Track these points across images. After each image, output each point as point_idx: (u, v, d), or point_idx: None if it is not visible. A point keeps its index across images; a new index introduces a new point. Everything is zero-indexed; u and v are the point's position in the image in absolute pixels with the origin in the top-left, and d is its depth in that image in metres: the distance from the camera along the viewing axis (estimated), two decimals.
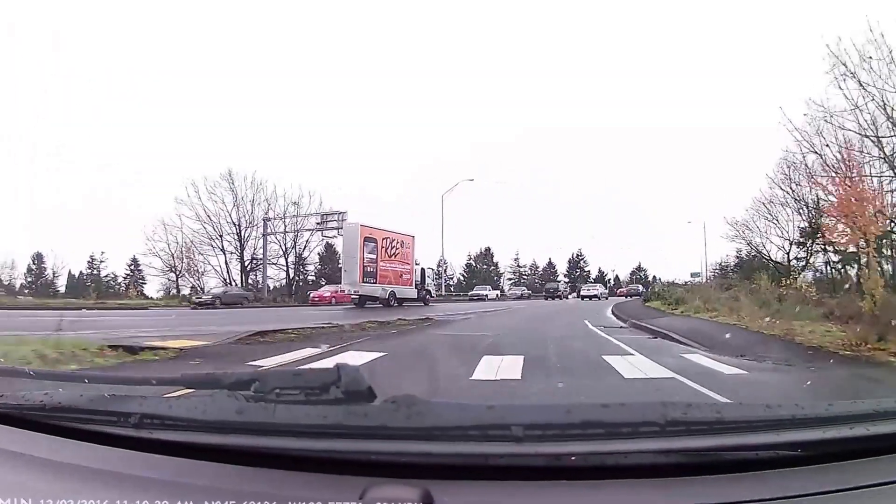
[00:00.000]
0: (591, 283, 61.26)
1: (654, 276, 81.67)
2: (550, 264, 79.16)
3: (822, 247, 29.66)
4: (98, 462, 1.01)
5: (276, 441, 1.00)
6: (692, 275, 49.77)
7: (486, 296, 47.34)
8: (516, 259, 79.29)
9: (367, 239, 27.95)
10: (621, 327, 14.13)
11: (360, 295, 26.66)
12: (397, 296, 28.93)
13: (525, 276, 78.22)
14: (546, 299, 49.37)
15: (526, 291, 59.21)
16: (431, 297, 34.38)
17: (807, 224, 31.71)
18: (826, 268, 31.48)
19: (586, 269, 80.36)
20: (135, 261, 52.65)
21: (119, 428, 1.07)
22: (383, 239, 29.40)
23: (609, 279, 78.35)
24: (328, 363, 1.01)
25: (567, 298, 52.00)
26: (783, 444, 1.01)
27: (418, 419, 1.01)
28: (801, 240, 33.18)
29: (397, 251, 30.43)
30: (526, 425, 0.97)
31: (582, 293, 50.75)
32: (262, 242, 40.82)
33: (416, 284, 31.73)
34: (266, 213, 41.78)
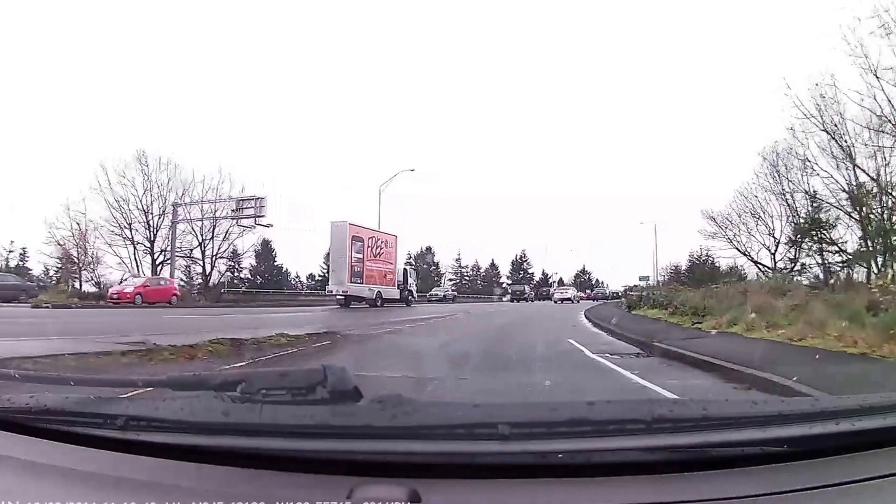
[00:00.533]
0: (564, 286, 60.71)
1: (598, 280, 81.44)
2: (493, 265, 78.99)
3: (820, 246, 27.84)
4: (85, 464, 1.01)
5: (263, 442, 1.00)
6: (640, 278, 49.70)
7: (445, 296, 46.74)
8: (458, 259, 78.01)
9: (354, 238, 27.70)
10: (638, 355, 8.45)
11: (346, 295, 26.46)
12: (383, 296, 28.86)
13: (467, 277, 77.58)
14: (512, 301, 49.38)
15: (450, 293, 54.42)
16: (413, 297, 34.34)
17: (803, 220, 29.15)
18: (823, 270, 28.07)
19: (530, 271, 79.81)
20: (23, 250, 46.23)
21: (106, 430, 1.06)
22: (369, 238, 29.24)
23: (553, 282, 77.17)
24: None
25: (533, 301, 51.60)
26: (769, 441, 1.03)
27: (405, 418, 1.01)
28: (799, 237, 29.81)
29: (382, 251, 30.29)
30: (512, 423, 0.98)
31: (555, 297, 50.10)
32: (177, 233, 34.72)
33: (398, 284, 31.60)
34: (181, 199, 35.53)
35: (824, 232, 27.84)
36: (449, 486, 0.94)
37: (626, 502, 0.91)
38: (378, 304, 27.62)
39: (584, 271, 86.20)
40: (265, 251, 53.00)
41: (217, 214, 35.20)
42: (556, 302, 45.36)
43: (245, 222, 34.15)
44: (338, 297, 26.81)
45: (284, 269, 60.53)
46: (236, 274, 45.28)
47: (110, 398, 1.13)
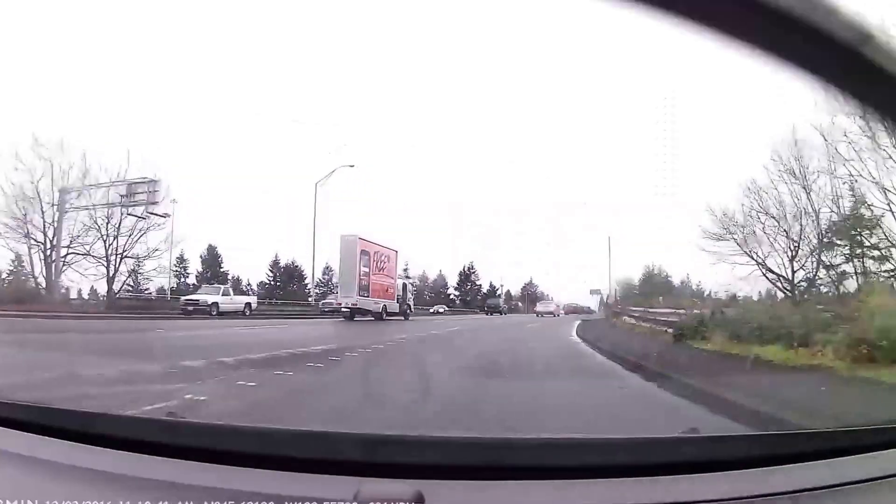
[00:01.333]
0: (547, 300, 57.39)
1: (543, 293, 78.25)
2: (441, 276, 75.29)
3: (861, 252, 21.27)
4: (105, 464, 1.05)
5: (272, 444, 1.04)
6: (592, 292, 47.96)
7: (438, 311, 44.40)
8: (405, 269, 75.02)
9: (362, 252, 27.95)
10: None
11: (354, 309, 26.62)
12: (388, 310, 29.00)
13: (415, 287, 75.68)
14: (487, 314, 47.33)
15: (442, 307, 49.86)
16: (411, 311, 34.32)
17: (841, 219, 21.93)
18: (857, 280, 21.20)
19: (477, 282, 76.27)
20: None
21: (126, 432, 1.11)
22: (375, 252, 29.45)
23: (500, 294, 74.36)
24: None
25: (503, 314, 48.93)
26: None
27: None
28: (835, 239, 22.61)
29: (385, 265, 30.50)
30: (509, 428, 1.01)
31: (538, 309, 47.92)
32: (78, 228, 27.94)
33: (398, 298, 31.72)
34: (83, 184, 27.91)
35: (867, 232, 21.65)
36: (452, 486, 0.97)
37: (625, 502, 0.94)
38: (383, 317, 27.81)
39: (531, 283, 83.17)
40: (211, 256, 49.64)
41: (109, 202, 27.94)
42: (538, 315, 43.45)
43: (136, 210, 27.59)
44: (343, 309, 26.88)
45: (235, 276, 52.38)
46: (140, 276, 34.17)
47: (130, 402, 1.18)
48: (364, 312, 26.85)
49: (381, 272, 29.61)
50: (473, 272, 77.24)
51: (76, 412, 1.18)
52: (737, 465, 1.03)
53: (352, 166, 35.84)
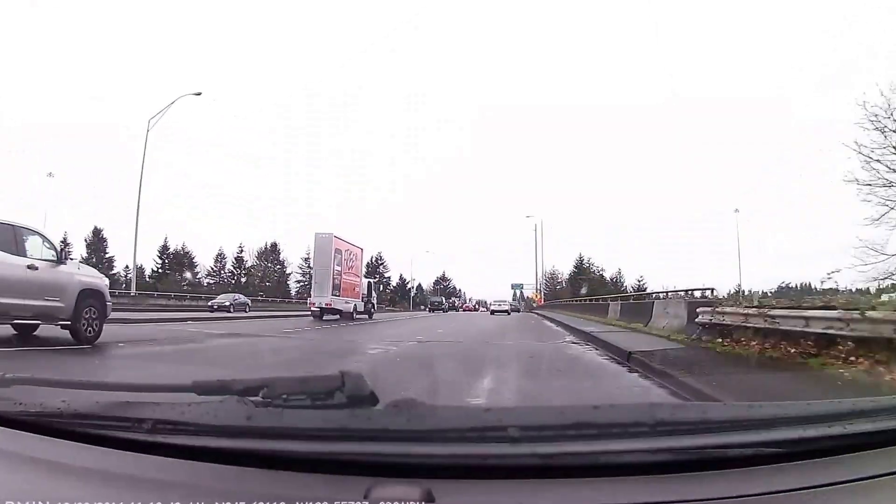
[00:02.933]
0: (501, 299, 56.93)
1: (457, 288, 75.08)
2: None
3: None
4: (114, 466, 1.05)
5: (283, 444, 1.05)
6: (513, 286, 47.25)
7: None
8: (307, 259, 65.79)
9: (336, 251, 27.46)
10: None
11: (326, 308, 26.22)
12: (357, 309, 28.73)
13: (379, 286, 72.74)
14: (431, 312, 48.51)
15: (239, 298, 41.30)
16: (375, 310, 34.16)
17: None
18: None
19: (386, 275, 73.44)
20: None
21: (133, 433, 1.10)
22: (346, 251, 29.03)
23: (411, 287, 71.82)
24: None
25: (445, 311, 49.76)
26: (765, 443, 1.09)
27: (419, 422, 1.07)
28: None
29: (353, 263, 30.19)
30: (521, 426, 1.03)
31: (492, 308, 48.46)
32: None
33: (362, 297, 31.41)
34: None
35: None
36: (461, 486, 0.98)
37: (630, 502, 0.96)
38: (353, 317, 27.52)
39: (444, 277, 77.83)
40: (97, 239, 46.98)
41: None
42: (492, 314, 44.23)
43: None
44: (312, 309, 26.57)
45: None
46: None
47: (138, 402, 1.17)
48: (334, 312, 26.53)
49: (350, 270, 29.37)
50: (382, 263, 70.81)
51: (76, 412, 1.16)
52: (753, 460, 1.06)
53: (198, 94, 33.15)
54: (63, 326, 9.01)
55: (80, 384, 1.36)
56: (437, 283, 76.53)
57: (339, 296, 27.16)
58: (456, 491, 0.96)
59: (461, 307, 51.81)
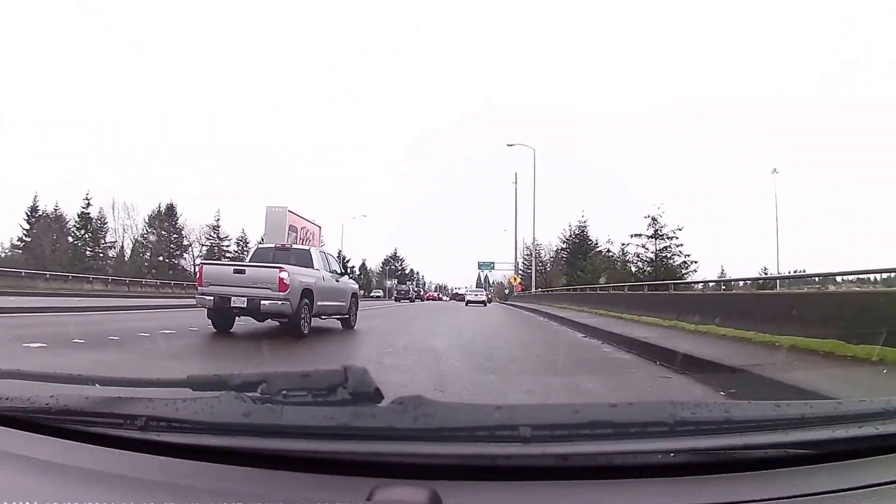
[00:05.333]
0: (477, 289, 55.22)
1: (412, 269, 69.49)
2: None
3: None
4: (104, 465, 1.01)
5: (283, 443, 1.00)
6: (481, 265, 42.81)
7: None
8: (214, 227, 65.59)
9: (290, 227, 25.35)
10: None
11: None
12: None
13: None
14: (397, 301, 46.77)
15: None
16: None
17: None
18: None
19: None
20: None
21: (125, 430, 1.06)
22: (301, 228, 26.83)
23: (352, 266, 63.16)
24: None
25: (412, 301, 47.93)
26: (792, 444, 1.03)
27: (426, 420, 1.01)
28: None
29: (309, 243, 27.19)
30: (534, 426, 0.98)
31: (467, 299, 46.83)
32: None
33: None
34: None
35: None
36: (469, 487, 0.94)
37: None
38: None
39: (395, 257, 70.37)
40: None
41: None
42: (467, 304, 42.18)
43: None
44: None
45: None
46: None
47: (130, 398, 1.13)
48: None
49: None
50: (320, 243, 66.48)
51: (65, 408, 1.13)
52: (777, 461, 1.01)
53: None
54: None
55: (70, 378, 1.33)
56: (386, 262, 69.44)
57: None
58: (464, 493, 0.92)
59: (426, 296, 49.93)
